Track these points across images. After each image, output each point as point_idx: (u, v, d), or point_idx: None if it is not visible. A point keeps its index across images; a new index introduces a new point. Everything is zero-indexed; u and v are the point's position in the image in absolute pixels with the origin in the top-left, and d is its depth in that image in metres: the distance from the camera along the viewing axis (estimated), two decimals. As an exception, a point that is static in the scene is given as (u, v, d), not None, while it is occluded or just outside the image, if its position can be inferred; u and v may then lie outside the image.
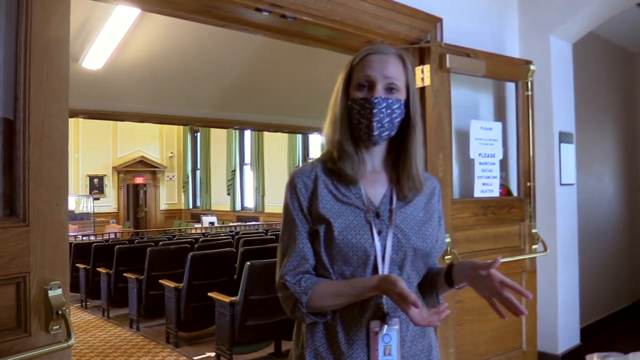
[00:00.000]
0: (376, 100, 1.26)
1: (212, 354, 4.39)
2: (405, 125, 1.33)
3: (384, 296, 1.24)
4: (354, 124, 1.30)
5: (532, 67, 3.35)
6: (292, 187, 1.32)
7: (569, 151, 3.85)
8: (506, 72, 3.30)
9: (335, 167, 1.31)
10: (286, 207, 1.33)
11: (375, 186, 1.34)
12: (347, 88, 1.33)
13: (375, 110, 1.26)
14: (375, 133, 1.27)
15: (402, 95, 1.30)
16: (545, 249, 3.32)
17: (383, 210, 1.30)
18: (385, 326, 1.23)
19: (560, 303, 3.71)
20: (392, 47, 1.34)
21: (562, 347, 3.72)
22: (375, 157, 1.35)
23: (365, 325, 1.24)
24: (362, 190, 1.31)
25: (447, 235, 2.86)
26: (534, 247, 3.34)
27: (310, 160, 1.39)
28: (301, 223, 1.30)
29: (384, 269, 1.25)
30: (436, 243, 1.37)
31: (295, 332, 1.37)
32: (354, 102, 1.29)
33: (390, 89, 1.28)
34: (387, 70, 1.28)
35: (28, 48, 1.50)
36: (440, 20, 3.00)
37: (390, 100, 1.27)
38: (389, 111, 1.27)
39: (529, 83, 3.35)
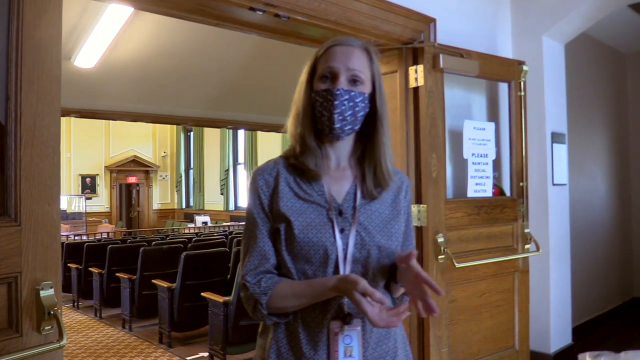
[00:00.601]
0: (338, 92, 1.22)
1: (206, 354, 4.39)
2: (372, 120, 1.30)
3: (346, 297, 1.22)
4: (317, 117, 1.27)
5: (524, 67, 3.37)
6: (253, 185, 1.30)
7: (561, 151, 3.87)
8: (499, 73, 3.32)
9: (298, 163, 1.28)
10: (248, 206, 1.31)
11: (340, 183, 1.30)
12: (311, 81, 1.30)
13: (336, 102, 1.22)
14: (337, 126, 1.24)
15: (366, 89, 1.27)
16: (538, 249, 3.33)
17: (346, 207, 1.27)
18: (346, 327, 1.20)
19: (552, 302, 3.73)
20: (358, 40, 1.31)
21: (554, 347, 3.74)
22: (340, 153, 1.32)
23: (326, 326, 1.21)
24: (325, 187, 1.28)
25: (440, 235, 2.87)
26: (526, 246, 3.36)
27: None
28: (262, 222, 1.27)
29: (345, 268, 1.22)
30: (403, 240, 1.35)
31: (259, 333, 1.34)
32: (316, 93, 1.26)
33: (353, 81, 1.25)
34: (351, 62, 1.25)
35: (19, 47, 1.49)
36: (433, 20, 3.01)
37: (353, 93, 1.24)
38: (351, 104, 1.24)
39: (522, 83, 3.37)
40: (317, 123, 1.28)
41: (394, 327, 1.29)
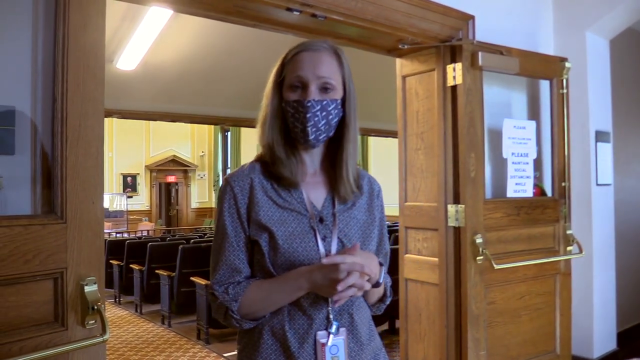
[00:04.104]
0: (309, 104, 1.19)
1: (242, 351, 4.43)
2: (341, 124, 1.26)
3: (330, 305, 1.20)
4: (290, 127, 1.23)
5: (567, 64, 3.27)
6: (227, 192, 1.24)
7: (605, 150, 3.75)
8: (540, 70, 3.23)
9: (274, 170, 1.25)
10: (219, 214, 1.25)
11: (317, 189, 1.28)
12: (279, 87, 1.25)
13: (309, 115, 1.19)
14: (311, 137, 1.21)
15: (338, 94, 1.23)
16: (581, 251, 3.24)
17: (326, 214, 1.25)
18: (332, 336, 1.18)
19: (595, 306, 3.62)
20: (326, 42, 1.26)
21: (597, 352, 3.62)
22: (315, 159, 1.30)
23: (313, 338, 1.18)
24: (303, 194, 1.25)
25: (478, 236, 2.82)
26: (568, 248, 3.26)
27: (247, 162, 1.32)
28: (234, 232, 1.23)
29: None
30: (378, 244, 1.34)
31: (239, 350, 1.29)
32: (287, 104, 1.22)
33: (324, 88, 1.21)
34: (320, 69, 1.20)
35: (65, 51, 1.54)
36: (472, 17, 2.96)
37: (325, 102, 1.20)
38: (324, 113, 1.20)
39: (564, 81, 3.27)
40: (290, 132, 1.25)
41: (374, 329, 1.33)
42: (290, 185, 1.25)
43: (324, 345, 1.18)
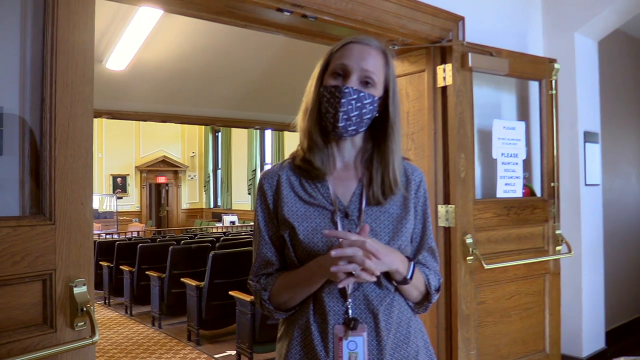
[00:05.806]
0: (347, 90, 1.19)
1: (233, 352, 4.42)
2: (383, 126, 1.27)
3: (350, 301, 1.19)
4: (323, 113, 1.24)
5: (556, 65, 3.30)
6: (259, 190, 1.31)
7: (594, 151, 3.78)
8: (529, 71, 3.26)
9: (303, 164, 1.27)
10: (255, 211, 1.32)
11: (345, 184, 1.27)
12: (323, 76, 1.27)
13: (343, 100, 1.19)
14: (340, 125, 1.20)
15: (377, 92, 1.24)
16: (570, 251, 3.26)
17: (352, 209, 1.24)
18: (350, 332, 1.17)
19: (584, 305, 3.64)
20: (377, 41, 1.27)
21: (586, 351, 3.65)
22: (346, 153, 1.30)
23: (332, 331, 1.19)
24: (330, 188, 1.26)
25: (468, 236, 2.83)
26: (557, 248, 3.29)
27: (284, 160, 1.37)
28: (265, 227, 1.29)
29: None
30: (420, 239, 1.32)
31: (277, 339, 1.34)
32: (325, 89, 1.24)
33: (365, 82, 1.22)
34: (365, 62, 1.22)
35: (54, 51, 1.53)
36: (462, 18, 2.97)
37: (362, 94, 1.20)
38: (358, 104, 1.20)
39: (553, 82, 3.30)
40: (322, 120, 1.25)
41: (413, 332, 1.27)
42: (318, 177, 1.26)
43: (340, 339, 1.18)
